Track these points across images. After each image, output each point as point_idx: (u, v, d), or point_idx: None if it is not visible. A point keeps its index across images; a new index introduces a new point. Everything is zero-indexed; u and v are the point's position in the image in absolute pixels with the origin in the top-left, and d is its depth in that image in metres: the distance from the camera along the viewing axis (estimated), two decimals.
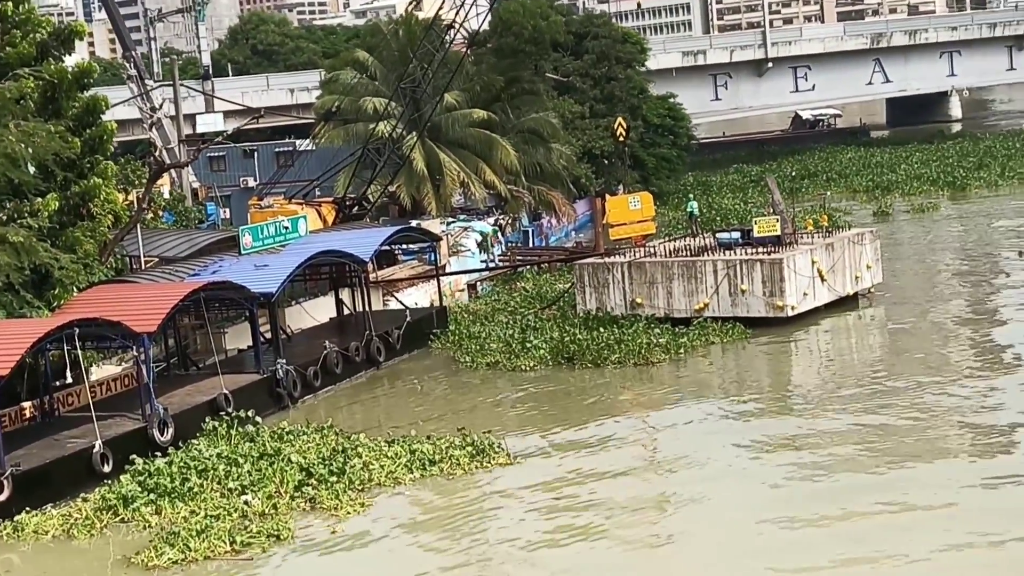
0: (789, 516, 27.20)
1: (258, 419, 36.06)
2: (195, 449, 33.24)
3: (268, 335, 42.10)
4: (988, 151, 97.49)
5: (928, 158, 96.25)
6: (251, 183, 73.63)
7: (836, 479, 29.44)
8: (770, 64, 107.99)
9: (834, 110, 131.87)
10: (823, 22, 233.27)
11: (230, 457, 32.29)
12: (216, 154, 75.36)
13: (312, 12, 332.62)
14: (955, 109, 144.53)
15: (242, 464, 31.73)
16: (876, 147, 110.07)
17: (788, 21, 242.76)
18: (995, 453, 30.53)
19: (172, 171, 61.97)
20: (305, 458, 31.90)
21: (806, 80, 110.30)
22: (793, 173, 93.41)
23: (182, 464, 31.83)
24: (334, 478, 30.82)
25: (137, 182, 52.35)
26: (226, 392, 37.17)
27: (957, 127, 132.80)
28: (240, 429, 35.03)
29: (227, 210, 71.24)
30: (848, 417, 34.25)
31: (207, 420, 35.59)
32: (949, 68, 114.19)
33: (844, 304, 48.00)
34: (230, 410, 36.39)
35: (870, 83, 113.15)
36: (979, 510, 26.92)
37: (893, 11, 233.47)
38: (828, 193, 76.60)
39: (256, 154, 77.45)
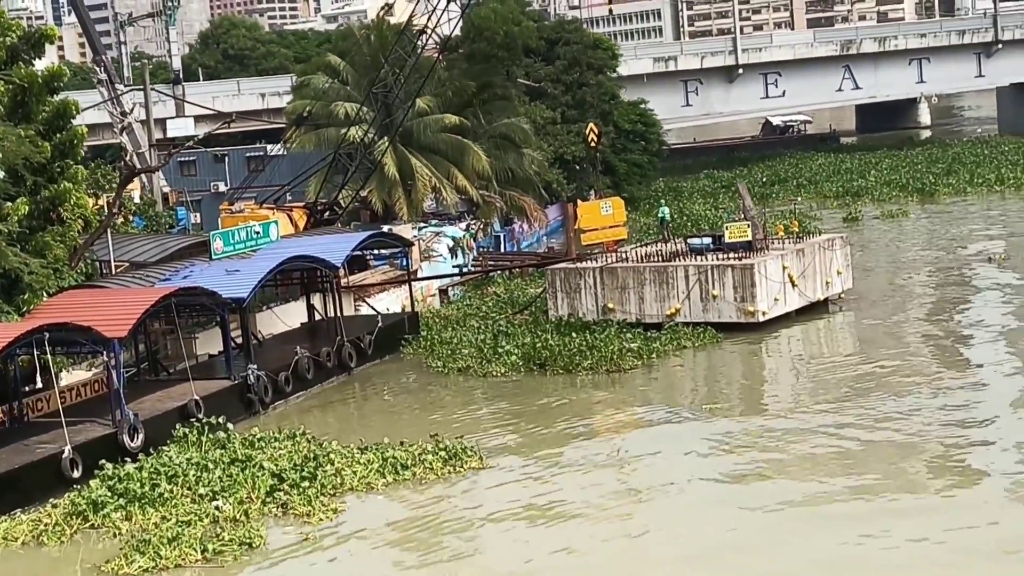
0: (753, 521, 27.47)
1: (229, 425, 35.90)
2: (165, 455, 33.10)
3: (239, 340, 41.98)
4: (957, 158, 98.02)
5: (898, 164, 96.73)
6: (222, 188, 73.39)
7: (796, 486, 29.54)
8: (740, 70, 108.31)
9: (804, 116, 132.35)
10: (793, 29, 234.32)
11: (201, 463, 32.15)
12: (187, 159, 75.07)
13: (283, 17, 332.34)
14: (924, 116, 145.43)
15: (213, 470, 31.62)
16: (846, 153, 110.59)
17: (758, 28, 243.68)
18: (953, 463, 30.62)
19: (143, 176, 61.72)
20: (277, 464, 31.81)
21: (776, 86, 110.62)
22: (764, 179, 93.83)
23: (152, 470, 31.67)
24: (306, 483, 30.76)
25: (108, 186, 52.36)
26: (197, 398, 37.02)
27: (926, 134, 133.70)
28: (211, 436, 34.89)
29: (198, 215, 70.96)
30: (813, 423, 34.36)
31: (178, 426, 35.44)
32: (918, 75, 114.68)
33: (815, 309, 48.18)
34: (201, 416, 36.22)
35: (840, 89, 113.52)
36: (928, 512, 27.27)
37: (863, 18, 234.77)
38: (799, 199, 76.87)
39: (227, 159, 77.20)
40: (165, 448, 34.02)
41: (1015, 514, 26.89)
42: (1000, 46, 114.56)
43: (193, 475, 31.31)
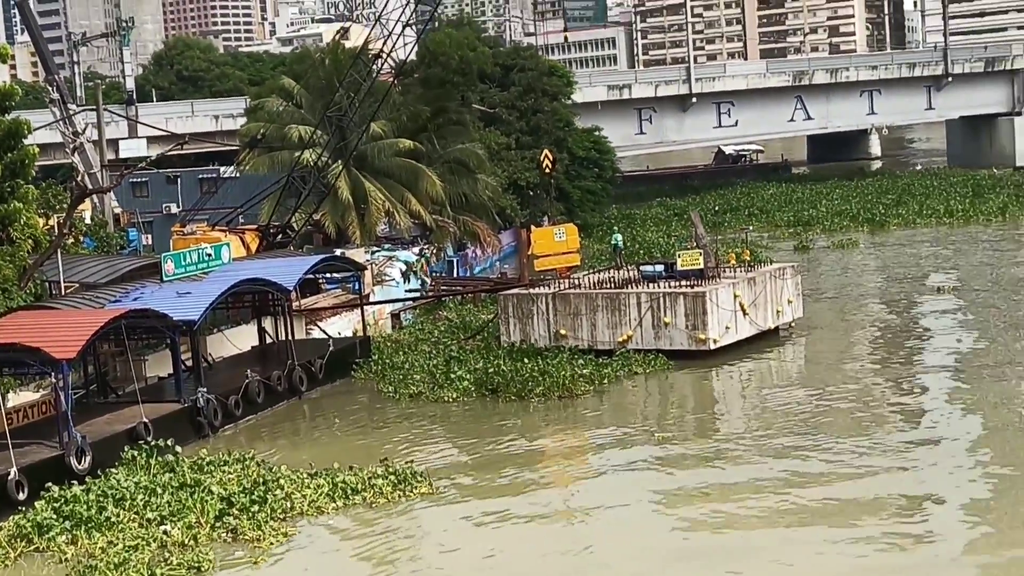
0: (694, 545, 27.93)
1: (178, 449, 35.69)
2: (113, 478, 32.81)
3: (189, 363, 41.72)
4: (907, 189, 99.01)
5: (848, 194, 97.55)
6: (174, 209, 73.09)
7: (735, 511, 29.83)
8: (694, 99, 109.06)
9: (756, 146, 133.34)
10: (746, 59, 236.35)
11: (149, 486, 31.89)
12: (139, 180, 74.69)
13: (238, 39, 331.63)
14: (875, 147, 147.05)
15: (161, 494, 31.36)
16: (797, 183, 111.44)
17: (712, 57, 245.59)
18: (893, 491, 30.86)
19: (94, 196, 61.35)
20: (226, 488, 31.59)
21: (729, 116, 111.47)
22: (716, 207, 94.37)
23: (100, 493, 31.38)
24: (256, 507, 30.55)
25: (58, 207, 51.98)
26: (146, 421, 36.75)
27: (877, 164, 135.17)
28: (160, 459, 34.64)
29: (149, 236, 70.63)
30: (758, 451, 34.64)
31: (126, 449, 35.16)
32: (869, 106, 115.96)
33: (765, 338, 48.43)
34: (150, 439, 35.96)
35: (792, 120, 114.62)
36: (864, 540, 27.50)
37: (815, 49, 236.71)
38: (750, 227, 77.34)
39: (179, 180, 76.88)
40: (113, 471, 33.74)
41: (952, 540, 27.26)
42: (950, 79, 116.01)
43: (141, 499, 31.04)
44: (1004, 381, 41.01)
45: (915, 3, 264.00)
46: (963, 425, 36.22)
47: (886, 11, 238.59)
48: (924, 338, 49.29)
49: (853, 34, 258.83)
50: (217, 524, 29.89)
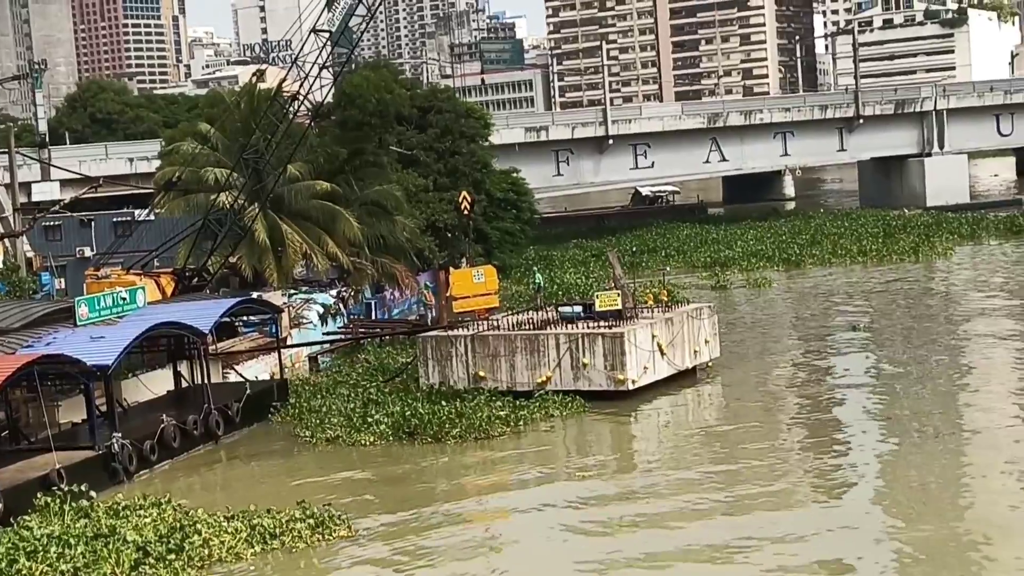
0: None
1: (92, 494, 35.08)
2: (25, 528, 32.12)
3: (104, 408, 41.15)
4: (820, 229, 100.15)
5: (763, 235, 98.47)
6: (88, 253, 72.17)
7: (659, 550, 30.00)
8: (611, 141, 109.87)
9: (672, 187, 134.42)
10: (662, 101, 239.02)
11: (62, 537, 31.20)
12: (52, 223, 73.81)
13: (153, 81, 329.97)
14: (789, 188, 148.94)
15: (75, 545, 30.66)
16: (713, 224, 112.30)
17: (628, 99, 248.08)
18: (803, 520, 31.54)
19: (6, 240, 60.52)
20: (142, 535, 31.06)
21: (646, 157, 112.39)
22: (633, 248, 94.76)
23: (10, 546, 30.61)
24: (172, 556, 30.08)
25: None
26: (59, 468, 36.14)
27: (791, 205, 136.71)
28: (74, 504, 34.00)
29: (63, 280, 69.69)
30: (670, 485, 35.06)
31: (39, 495, 34.50)
32: (783, 148, 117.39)
33: (684, 378, 48.69)
34: (64, 486, 35.33)
35: (707, 161, 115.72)
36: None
37: (729, 92, 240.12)
38: (668, 268, 77.82)
39: (93, 224, 75.99)
40: (26, 519, 33.08)
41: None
42: (861, 121, 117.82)
43: (54, 551, 30.27)
44: (915, 411, 41.71)
45: (826, 46, 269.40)
46: (874, 452, 37.19)
47: (798, 54, 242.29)
48: (838, 375, 49.82)
49: (766, 77, 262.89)
50: (133, 575, 29.37)
